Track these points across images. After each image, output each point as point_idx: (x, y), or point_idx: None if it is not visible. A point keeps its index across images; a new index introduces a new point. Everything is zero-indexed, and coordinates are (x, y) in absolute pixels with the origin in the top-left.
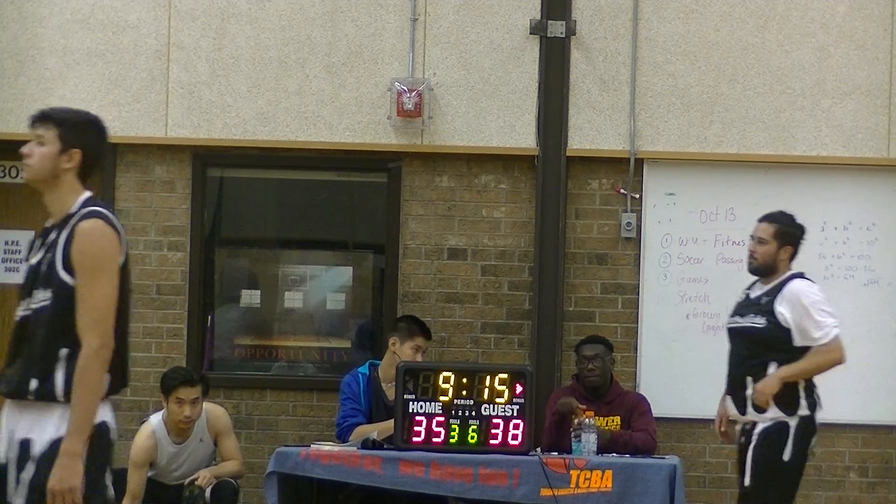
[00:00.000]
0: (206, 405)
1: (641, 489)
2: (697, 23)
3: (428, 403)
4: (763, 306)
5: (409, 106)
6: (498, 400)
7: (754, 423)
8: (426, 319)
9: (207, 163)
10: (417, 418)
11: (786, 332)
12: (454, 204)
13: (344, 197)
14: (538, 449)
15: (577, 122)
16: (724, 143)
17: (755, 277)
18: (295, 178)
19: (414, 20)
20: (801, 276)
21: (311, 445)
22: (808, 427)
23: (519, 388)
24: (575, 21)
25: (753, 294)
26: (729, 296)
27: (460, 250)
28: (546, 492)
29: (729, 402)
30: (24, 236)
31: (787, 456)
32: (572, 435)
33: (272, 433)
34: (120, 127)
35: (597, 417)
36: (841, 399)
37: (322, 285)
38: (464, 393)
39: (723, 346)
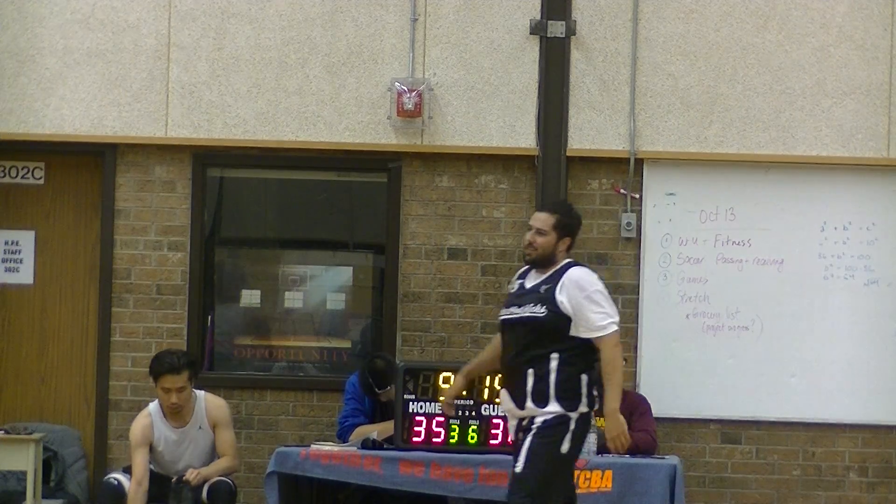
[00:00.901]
0: (205, 394)
1: (641, 489)
2: (697, 23)
3: (428, 403)
4: (543, 295)
5: (410, 106)
6: (498, 400)
7: (532, 417)
8: (426, 319)
9: (207, 163)
10: (417, 418)
11: (567, 321)
12: (454, 204)
13: (344, 197)
14: None
15: (577, 122)
16: (723, 143)
17: (533, 269)
18: (295, 178)
19: (414, 20)
20: (578, 264)
21: (311, 445)
22: (586, 423)
23: None
24: (575, 21)
25: (529, 284)
26: (729, 296)
27: (460, 250)
28: None
29: (504, 395)
30: (24, 236)
31: (564, 449)
32: None
33: (272, 433)
34: (120, 127)
35: (597, 418)
36: (841, 399)
37: (322, 285)
38: (464, 393)
39: (723, 347)
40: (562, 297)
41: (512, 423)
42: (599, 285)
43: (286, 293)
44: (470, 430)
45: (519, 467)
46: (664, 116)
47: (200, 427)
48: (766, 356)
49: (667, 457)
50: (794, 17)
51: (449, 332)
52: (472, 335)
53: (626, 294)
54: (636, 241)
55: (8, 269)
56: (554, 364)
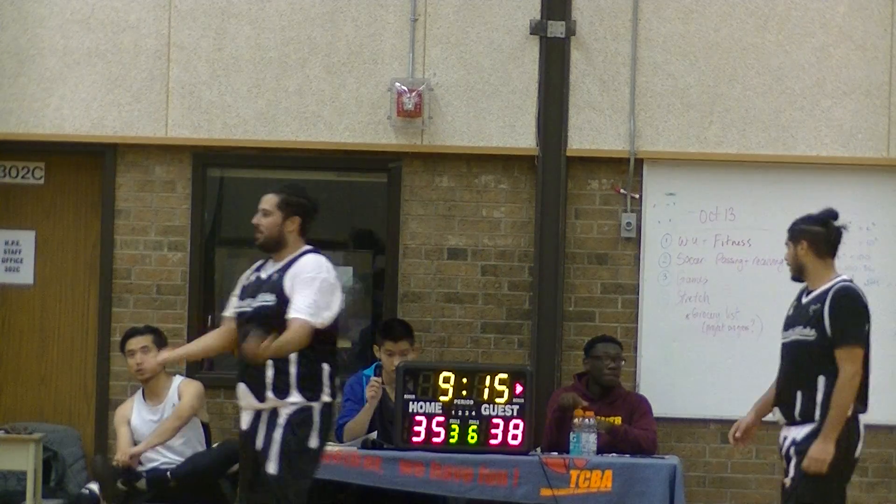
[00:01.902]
0: (182, 378)
1: (641, 489)
2: (697, 23)
3: (428, 403)
4: (274, 284)
5: (409, 106)
6: (498, 400)
7: (275, 409)
8: (426, 319)
9: (207, 163)
10: (417, 418)
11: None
12: (454, 204)
13: (344, 197)
14: (538, 449)
15: (576, 123)
16: (723, 144)
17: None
18: (295, 178)
19: (414, 20)
20: (315, 251)
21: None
22: (331, 414)
23: (519, 388)
24: (575, 21)
25: (265, 275)
26: (729, 296)
27: (460, 250)
28: (546, 492)
29: (243, 388)
30: (24, 236)
31: (313, 444)
32: (573, 429)
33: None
34: (120, 127)
35: (598, 417)
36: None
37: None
38: (464, 393)
39: (723, 347)
40: (287, 282)
41: (247, 417)
42: (326, 275)
43: None
44: (470, 430)
45: (273, 468)
46: (664, 116)
47: (174, 405)
48: (766, 356)
49: (667, 457)
50: (794, 17)
51: (449, 332)
52: (472, 335)
53: (625, 294)
54: (636, 241)
55: (8, 269)
56: (294, 355)
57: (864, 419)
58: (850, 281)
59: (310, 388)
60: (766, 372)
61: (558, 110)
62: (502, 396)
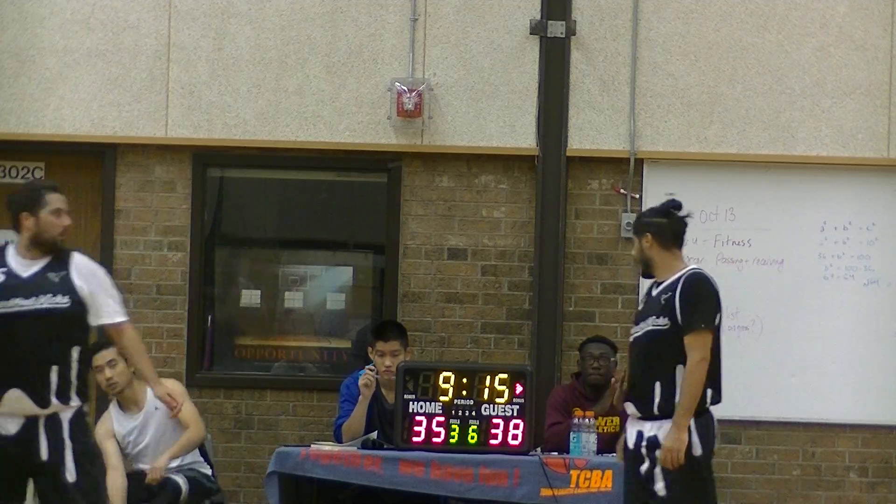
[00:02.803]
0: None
1: None
2: (697, 23)
3: (428, 403)
4: (59, 284)
5: (409, 106)
6: (498, 400)
7: (55, 414)
8: (426, 320)
9: (207, 163)
10: (417, 418)
11: (86, 309)
12: (454, 204)
13: (344, 197)
14: (538, 449)
15: (576, 123)
16: (723, 144)
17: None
18: (295, 178)
19: (414, 20)
20: (79, 250)
21: (312, 445)
22: (83, 418)
23: (519, 388)
24: (575, 21)
25: (29, 273)
26: (729, 296)
27: (460, 250)
28: (546, 492)
29: (21, 394)
30: None
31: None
32: (573, 429)
33: (272, 433)
34: (120, 127)
35: (597, 417)
36: (841, 399)
37: (322, 285)
38: (464, 393)
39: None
40: (80, 282)
41: (19, 421)
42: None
43: (286, 293)
44: (470, 430)
45: (71, 477)
46: (664, 116)
47: (157, 407)
48: (766, 356)
49: None
50: (794, 17)
51: (449, 332)
52: (472, 335)
53: (626, 294)
54: None
55: None
56: (76, 357)
57: (866, 419)
58: (701, 269)
59: (64, 392)
60: (766, 372)
61: (558, 110)
62: (502, 396)
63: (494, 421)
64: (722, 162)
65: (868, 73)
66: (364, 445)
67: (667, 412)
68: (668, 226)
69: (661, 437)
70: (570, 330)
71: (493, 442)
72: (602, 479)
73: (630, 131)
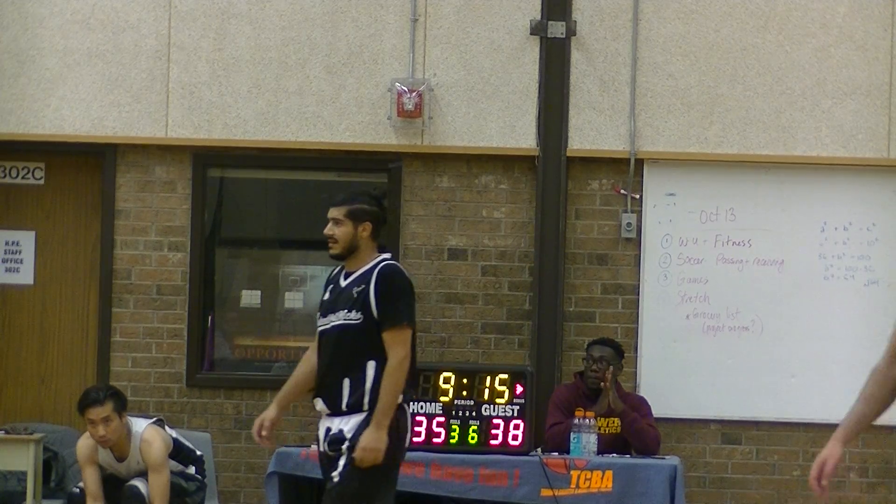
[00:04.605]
0: (143, 432)
1: (642, 489)
2: (698, 23)
3: (428, 404)
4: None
5: (410, 106)
6: (498, 400)
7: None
8: (426, 320)
9: (208, 163)
10: (418, 419)
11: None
12: (454, 204)
13: None
14: (538, 449)
15: (577, 123)
16: (724, 144)
17: None
18: (295, 178)
19: (414, 21)
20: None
21: (312, 446)
22: None
23: (519, 389)
24: (575, 21)
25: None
26: (729, 296)
27: (460, 251)
28: (546, 492)
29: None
30: (24, 236)
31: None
32: (573, 430)
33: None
34: (120, 127)
35: (598, 418)
36: (841, 399)
37: (322, 285)
38: (464, 393)
39: (723, 347)
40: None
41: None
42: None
43: (286, 293)
44: (470, 430)
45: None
46: (664, 117)
47: (139, 462)
48: (766, 356)
49: (667, 457)
50: (794, 17)
51: (449, 332)
52: (473, 335)
53: (626, 294)
54: (636, 242)
55: (8, 270)
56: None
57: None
58: (394, 261)
59: None
60: (766, 372)
61: (558, 110)
62: (503, 397)
63: (495, 421)
64: (722, 162)
65: (868, 73)
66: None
67: (356, 408)
68: (382, 217)
69: (346, 432)
70: (570, 330)
71: (493, 442)
72: (602, 479)
73: (630, 132)
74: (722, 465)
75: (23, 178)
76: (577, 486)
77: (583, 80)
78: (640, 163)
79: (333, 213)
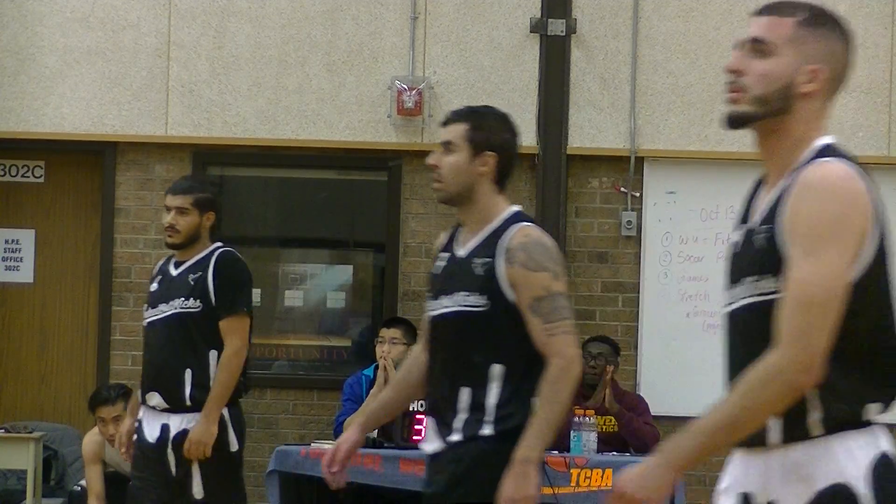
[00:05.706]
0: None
1: None
2: (698, 21)
3: None
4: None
5: (410, 104)
6: None
7: None
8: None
9: (207, 161)
10: (418, 416)
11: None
12: None
13: (344, 195)
14: None
15: (577, 121)
16: (724, 142)
17: None
18: (295, 176)
19: (414, 18)
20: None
21: (312, 444)
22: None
23: None
24: (575, 19)
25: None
26: None
27: None
28: (546, 490)
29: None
30: (24, 234)
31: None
32: (573, 428)
33: (272, 432)
34: (120, 126)
35: (596, 417)
36: None
37: (322, 284)
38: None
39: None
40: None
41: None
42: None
43: (286, 292)
44: None
45: None
46: (665, 115)
47: None
48: None
49: None
50: None
51: None
52: None
53: (626, 293)
54: (636, 240)
55: (8, 268)
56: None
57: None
58: (231, 248)
59: None
60: None
61: (558, 108)
62: None
63: None
64: (723, 160)
65: (868, 71)
66: (364, 444)
67: (201, 403)
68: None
69: (191, 427)
70: None
71: None
72: (602, 477)
73: (630, 129)
74: (722, 463)
75: (22, 176)
76: (577, 485)
77: (583, 78)
78: (640, 161)
79: (178, 201)
